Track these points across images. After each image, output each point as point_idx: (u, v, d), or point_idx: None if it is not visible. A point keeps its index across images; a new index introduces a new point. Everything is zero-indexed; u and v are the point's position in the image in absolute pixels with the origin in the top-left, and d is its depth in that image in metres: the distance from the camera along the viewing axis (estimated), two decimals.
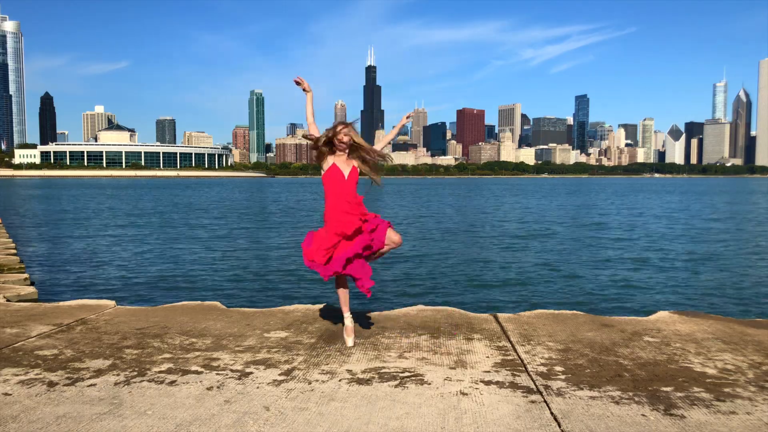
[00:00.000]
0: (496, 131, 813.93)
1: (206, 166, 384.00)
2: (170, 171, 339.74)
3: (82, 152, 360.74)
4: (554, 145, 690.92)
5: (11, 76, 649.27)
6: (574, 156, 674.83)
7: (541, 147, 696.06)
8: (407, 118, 6.08)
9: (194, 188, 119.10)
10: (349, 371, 4.82)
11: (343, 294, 5.67)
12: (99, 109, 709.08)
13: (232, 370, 4.85)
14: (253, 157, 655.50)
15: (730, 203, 63.79)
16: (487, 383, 4.53)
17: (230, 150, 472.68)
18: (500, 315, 6.86)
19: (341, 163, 5.51)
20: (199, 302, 7.63)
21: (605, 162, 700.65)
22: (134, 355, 5.29)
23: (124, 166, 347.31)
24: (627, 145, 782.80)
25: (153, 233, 29.73)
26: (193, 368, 4.91)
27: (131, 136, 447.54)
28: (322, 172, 5.48)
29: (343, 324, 5.65)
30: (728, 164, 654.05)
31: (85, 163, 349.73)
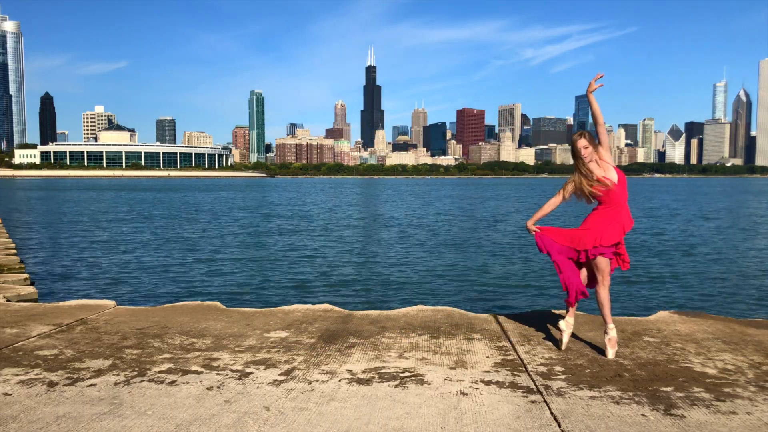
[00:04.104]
0: (496, 131, 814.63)
1: (206, 166, 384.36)
2: (164, 171, 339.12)
3: (82, 152, 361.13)
4: (554, 145, 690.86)
5: (11, 76, 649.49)
6: None
7: (541, 147, 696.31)
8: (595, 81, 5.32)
9: (192, 191, 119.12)
10: (349, 371, 4.82)
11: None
12: (99, 109, 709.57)
13: (232, 370, 4.85)
14: (253, 157, 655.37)
15: (732, 203, 63.79)
16: (487, 383, 4.53)
17: (230, 150, 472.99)
18: (500, 315, 6.86)
19: (606, 171, 5.19)
20: (199, 302, 7.63)
21: None
22: (134, 355, 5.29)
23: (124, 166, 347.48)
24: (627, 145, 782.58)
25: (153, 233, 29.73)
26: (193, 368, 4.91)
27: (131, 136, 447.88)
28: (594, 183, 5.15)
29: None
30: (728, 164, 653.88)
31: (85, 163, 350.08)
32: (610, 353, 5.14)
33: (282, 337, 5.91)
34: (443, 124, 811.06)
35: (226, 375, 4.74)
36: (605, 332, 5.22)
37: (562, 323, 5.42)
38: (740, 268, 18.83)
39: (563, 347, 5.39)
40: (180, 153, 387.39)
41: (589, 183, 5.14)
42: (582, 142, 5.16)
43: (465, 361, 5.10)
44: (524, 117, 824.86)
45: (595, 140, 5.21)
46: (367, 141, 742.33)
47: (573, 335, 5.89)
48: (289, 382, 4.55)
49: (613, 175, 5.13)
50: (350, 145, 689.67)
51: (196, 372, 4.81)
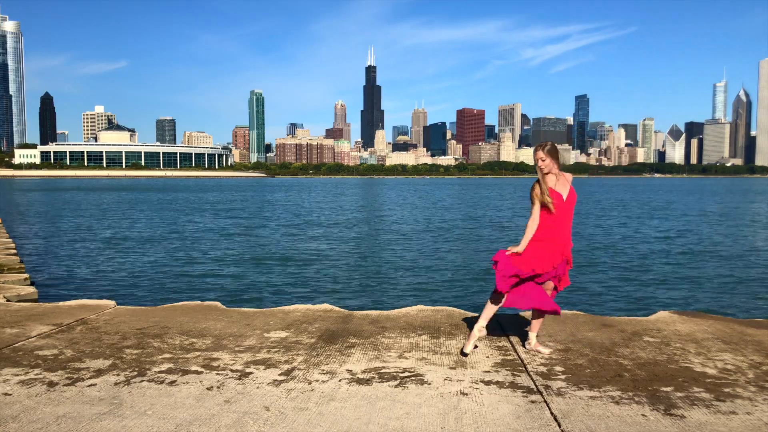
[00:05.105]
0: (496, 131, 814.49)
1: (206, 166, 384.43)
2: (164, 171, 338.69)
3: (82, 152, 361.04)
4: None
5: (11, 76, 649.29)
6: (574, 156, 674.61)
7: None
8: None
9: (191, 191, 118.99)
10: (349, 371, 4.82)
11: (493, 311, 5.31)
12: (99, 109, 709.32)
13: (232, 370, 4.86)
14: (253, 157, 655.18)
15: (733, 203, 63.81)
16: (487, 383, 4.53)
17: (230, 150, 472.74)
18: (500, 315, 6.86)
19: (556, 184, 5.25)
20: (199, 302, 7.64)
21: (605, 162, 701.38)
22: (134, 355, 5.29)
23: (124, 166, 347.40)
24: (627, 145, 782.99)
25: (153, 233, 29.73)
26: (193, 368, 4.91)
27: (131, 136, 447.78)
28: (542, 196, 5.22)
29: (471, 330, 5.36)
30: (728, 164, 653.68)
31: (85, 163, 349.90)
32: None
33: (282, 337, 5.91)
34: (443, 124, 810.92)
35: (226, 375, 4.74)
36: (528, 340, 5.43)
37: (476, 330, 5.28)
38: (740, 268, 18.82)
39: (468, 351, 5.26)
40: (180, 153, 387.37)
41: (543, 194, 5.25)
42: (539, 154, 5.24)
43: (465, 361, 5.10)
44: (524, 117, 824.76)
45: (557, 153, 5.29)
46: (367, 141, 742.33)
47: (573, 335, 5.89)
48: (289, 382, 4.56)
49: (563, 191, 5.23)
50: (350, 145, 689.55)
51: (196, 372, 4.81)
